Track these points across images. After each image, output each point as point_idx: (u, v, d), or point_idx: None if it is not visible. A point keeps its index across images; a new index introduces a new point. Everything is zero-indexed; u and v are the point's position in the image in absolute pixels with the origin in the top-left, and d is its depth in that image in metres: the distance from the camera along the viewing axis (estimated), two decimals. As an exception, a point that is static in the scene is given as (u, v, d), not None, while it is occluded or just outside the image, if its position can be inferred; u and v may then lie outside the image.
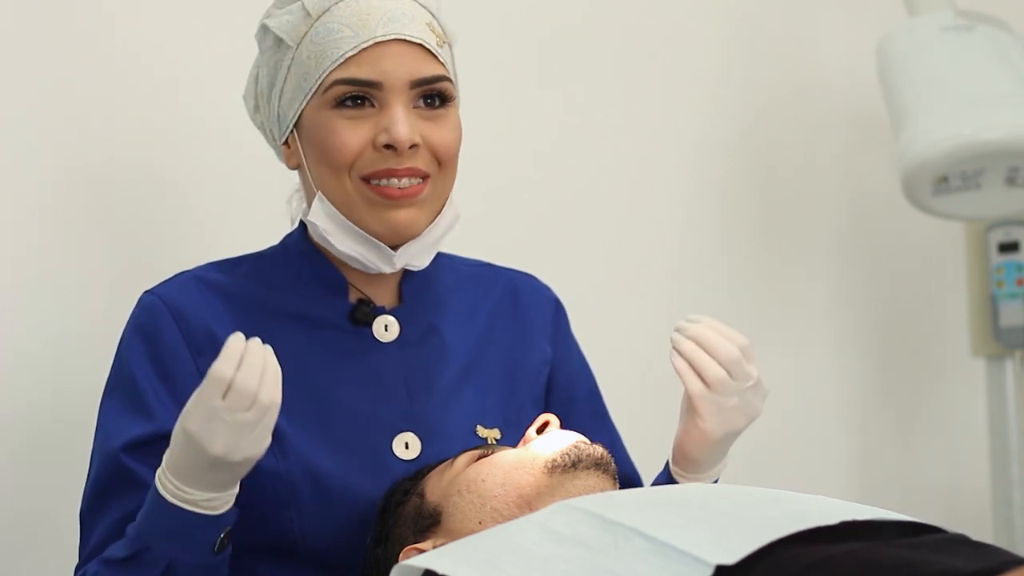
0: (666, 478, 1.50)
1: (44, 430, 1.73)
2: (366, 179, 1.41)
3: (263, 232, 1.58)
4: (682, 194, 2.43)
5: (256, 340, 1.28)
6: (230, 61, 1.65)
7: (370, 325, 1.47)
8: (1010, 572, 1.02)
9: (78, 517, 1.43)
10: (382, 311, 1.48)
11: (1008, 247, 2.50)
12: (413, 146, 1.40)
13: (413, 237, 1.43)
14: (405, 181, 1.41)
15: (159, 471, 1.30)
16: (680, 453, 1.46)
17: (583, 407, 1.61)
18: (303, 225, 1.50)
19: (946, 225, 2.56)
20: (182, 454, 1.27)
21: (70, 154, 1.78)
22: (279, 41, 1.44)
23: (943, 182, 2.23)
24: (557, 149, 2.26)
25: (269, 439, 1.28)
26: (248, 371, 1.25)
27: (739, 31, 2.51)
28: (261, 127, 1.53)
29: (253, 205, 1.77)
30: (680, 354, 1.41)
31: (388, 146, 1.40)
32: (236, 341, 1.26)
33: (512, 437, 1.50)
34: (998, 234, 2.51)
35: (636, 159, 2.37)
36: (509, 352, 1.56)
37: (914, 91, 2.25)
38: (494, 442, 1.49)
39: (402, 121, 1.39)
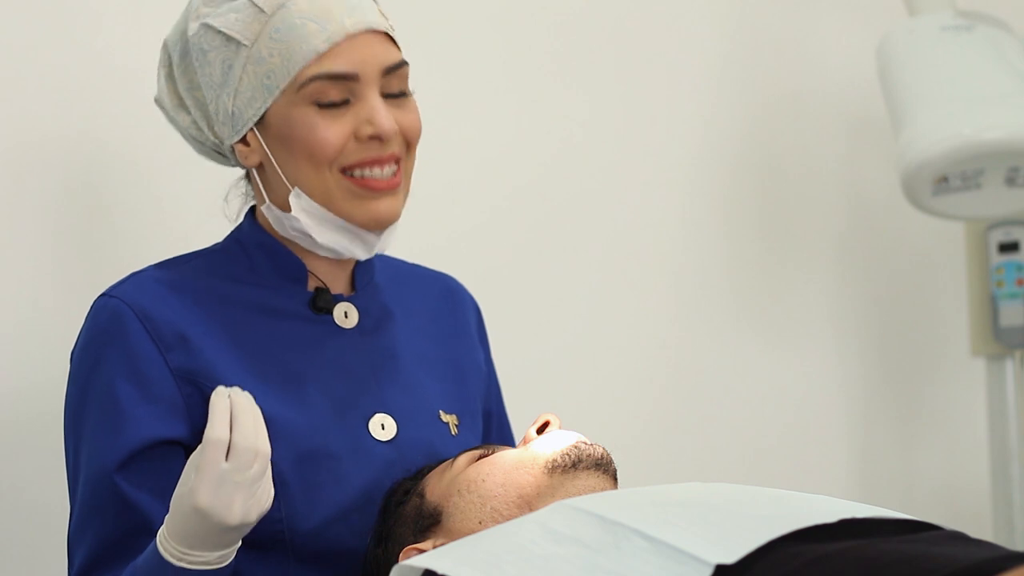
0: None
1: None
2: (346, 170, 1.41)
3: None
4: (682, 195, 2.43)
5: (237, 391, 1.27)
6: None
7: (331, 312, 1.48)
8: (1010, 572, 1.02)
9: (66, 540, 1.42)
10: (341, 298, 1.49)
11: (1008, 247, 2.50)
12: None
13: (393, 223, 1.45)
14: (388, 170, 1.42)
15: (160, 537, 1.28)
16: None
17: (497, 420, 1.64)
18: (251, 218, 1.50)
19: (946, 225, 2.56)
20: (195, 529, 1.25)
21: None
22: (229, 40, 1.41)
23: (943, 182, 2.23)
24: (556, 150, 2.26)
25: (273, 489, 1.28)
26: (243, 427, 1.25)
27: (739, 31, 2.51)
28: (190, 126, 1.48)
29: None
30: None
31: (373, 137, 1.41)
32: (221, 399, 1.26)
33: (467, 427, 1.52)
34: (998, 234, 2.51)
35: (636, 160, 2.36)
36: (451, 347, 1.58)
37: (914, 91, 2.25)
38: (455, 428, 1.50)
39: (383, 111, 1.41)
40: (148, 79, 1.51)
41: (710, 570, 1.04)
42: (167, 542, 1.27)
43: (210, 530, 1.25)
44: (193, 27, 1.44)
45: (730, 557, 1.04)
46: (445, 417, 1.50)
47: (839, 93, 2.60)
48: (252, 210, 1.51)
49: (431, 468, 1.40)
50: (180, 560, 1.26)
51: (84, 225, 1.80)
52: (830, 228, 2.60)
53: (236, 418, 1.25)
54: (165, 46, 1.48)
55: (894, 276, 2.66)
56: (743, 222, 2.50)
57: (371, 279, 1.53)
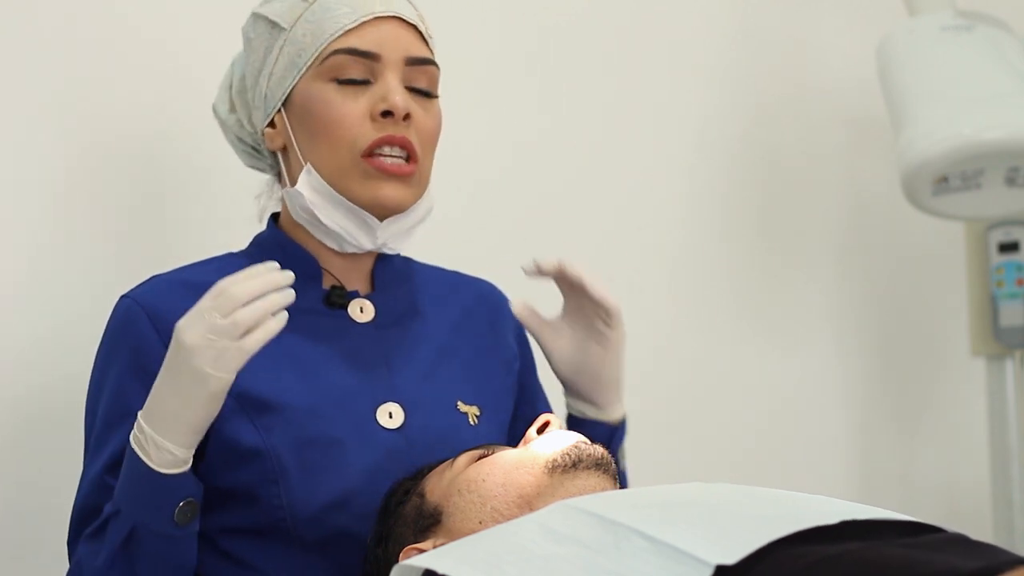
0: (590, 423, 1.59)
1: (43, 422, 1.72)
2: (366, 155, 1.44)
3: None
4: (682, 194, 2.43)
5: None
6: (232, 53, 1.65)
7: (345, 308, 1.51)
8: (1010, 572, 1.02)
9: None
10: (356, 295, 1.52)
11: (1008, 247, 2.50)
12: (407, 116, 1.45)
13: (399, 211, 1.47)
14: (398, 152, 1.45)
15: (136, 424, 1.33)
16: (595, 383, 1.56)
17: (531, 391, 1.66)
18: (272, 222, 1.55)
19: (946, 225, 2.56)
20: (165, 371, 1.31)
21: (70, 147, 1.77)
22: (272, 25, 1.48)
23: (943, 182, 2.23)
24: (557, 149, 2.26)
25: (228, 377, 1.30)
26: (244, 286, 1.30)
27: (739, 31, 2.51)
28: (235, 125, 1.56)
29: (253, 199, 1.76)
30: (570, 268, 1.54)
31: (385, 113, 1.44)
32: (260, 270, 1.32)
33: (489, 418, 1.53)
34: (998, 234, 2.51)
35: (636, 160, 2.37)
36: (482, 342, 1.60)
37: (914, 91, 2.25)
38: (475, 419, 1.52)
39: (399, 90, 1.45)
40: (205, 101, 1.59)
41: (710, 570, 1.03)
42: (140, 415, 1.32)
43: (172, 358, 1.30)
44: (247, 19, 1.52)
45: (730, 557, 1.04)
46: (464, 407, 1.52)
47: (839, 93, 2.60)
48: (274, 217, 1.55)
49: (431, 468, 1.40)
50: (135, 440, 1.31)
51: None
52: (830, 228, 2.61)
53: (249, 280, 1.31)
54: (232, 63, 1.57)
55: (894, 276, 2.67)
56: (743, 222, 2.50)
57: (394, 279, 1.55)
